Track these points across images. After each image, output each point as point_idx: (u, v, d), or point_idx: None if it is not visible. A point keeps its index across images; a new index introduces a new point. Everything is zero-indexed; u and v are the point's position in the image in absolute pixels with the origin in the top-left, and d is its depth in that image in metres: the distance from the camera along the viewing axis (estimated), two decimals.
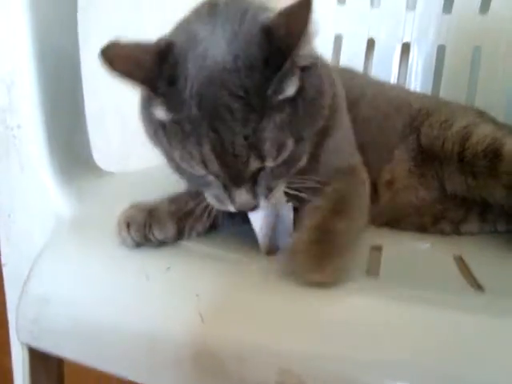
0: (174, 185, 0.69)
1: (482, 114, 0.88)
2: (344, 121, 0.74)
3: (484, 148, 0.73)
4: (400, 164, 0.82)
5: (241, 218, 0.65)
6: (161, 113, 0.55)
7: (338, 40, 1.22)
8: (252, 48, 0.54)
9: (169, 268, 0.57)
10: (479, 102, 1.12)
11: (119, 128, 1.50)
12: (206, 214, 0.63)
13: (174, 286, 0.57)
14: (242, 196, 0.57)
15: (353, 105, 0.80)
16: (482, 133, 0.75)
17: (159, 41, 0.57)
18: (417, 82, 1.21)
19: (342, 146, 0.73)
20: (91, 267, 0.62)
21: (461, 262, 0.65)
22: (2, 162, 0.75)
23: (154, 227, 0.61)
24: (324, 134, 0.65)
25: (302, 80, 0.56)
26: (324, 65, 0.64)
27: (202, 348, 0.52)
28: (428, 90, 1.17)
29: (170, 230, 0.63)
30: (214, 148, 0.53)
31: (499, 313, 0.52)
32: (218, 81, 0.53)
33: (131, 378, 0.57)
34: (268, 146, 0.54)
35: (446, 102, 0.91)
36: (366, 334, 0.51)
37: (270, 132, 0.54)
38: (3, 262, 0.80)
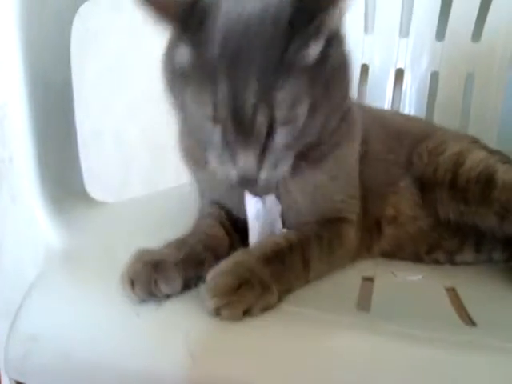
0: (170, 213, 0.69)
1: (475, 141, 0.88)
2: (355, 144, 0.73)
3: (477, 174, 0.73)
4: (405, 197, 0.81)
5: None
6: (184, 53, 0.56)
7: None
8: (282, 8, 0.55)
9: (160, 306, 0.57)
10: (472, 128, 1.13)
11: (116, 155, 1.50)
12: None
13: (164, 324, 0.56)
14: (248, 158, 0.56)
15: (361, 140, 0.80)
16: (475, 159, 0.75)
17: None
18: (411, 107, 1.21)
19: (344, 180, 0.71)
20: (81, 304, 0.61)
21: (453, 295, 0.65)
22: None
23: (159, 283, 0.56)
24: (334, 143, 0.65)
25: (326, 51, 0.56)
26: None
27: None
28: (422, 116, 1.18)
29: (177, 283, 0.58)
30: (228, 93, 0.53)
31: (489, 350, 0.51)
32: (244, 29, 0.54)
33: None
34: (279, 103, 0.54)
35: (439, 129, 0.92)
36: (355, 372, 0.50)
37: (283, 90, 0.53)
38: None
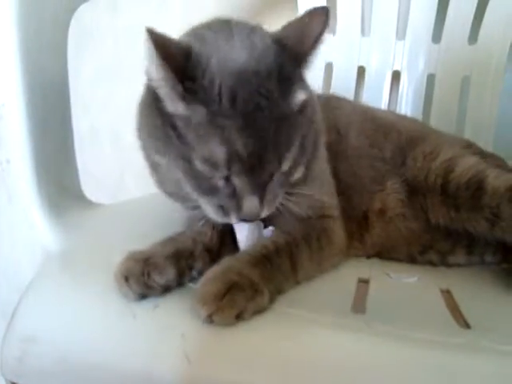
0: (166, 215, 0.69)
1: (469, 145, 0.88)
2: (322, 158, 0.75)
3: (467, 180, 0.73)
4: (392, 194, 0.82)
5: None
6: (178, 107, 0.56)
7: (328, 68, 1.23)
8: (268, 57, 0.57)
9: (156, 307, 0.57)
10: (468, 130, 1.14)
11: (112, 156, 1.50)
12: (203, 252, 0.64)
13: (160, 325, 0.56)
14: (253, 203, 0.57)
15: (341, 133, 0.81)
16: (466, 165, 0.76)
17: (181, 41, 0.59)
18: (407, 109, 1.22)
19: (319, 181, 0.73)
20: (77, 305, 0.61)
21: (448, 297, 0.65)
22: None
23: (152, 274, 0.58)
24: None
25: (305, 91, 0.60)
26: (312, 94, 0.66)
27: None
28: (418, 118, 1.18)
29: (170, 272, 0.59)
30: (245, 144, 0.54)
31: (484, 352, 0.52)
32: (246, 81, 0.55)
33: None
34: (286, 148, 0.57)
35: (434, 132, 0.92)
36: (350, 373, 0.51)
37: (287, 134, 0.56)
38: None
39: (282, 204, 0.63)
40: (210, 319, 0.53)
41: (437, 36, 1.16)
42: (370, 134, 0.86)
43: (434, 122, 1.15)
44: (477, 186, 0.72)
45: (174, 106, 0.57)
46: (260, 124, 0.55)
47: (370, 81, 1.22)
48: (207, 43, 0.59)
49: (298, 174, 0.63)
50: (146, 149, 0.65)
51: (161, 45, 0.54)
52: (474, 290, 0.70)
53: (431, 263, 0.80)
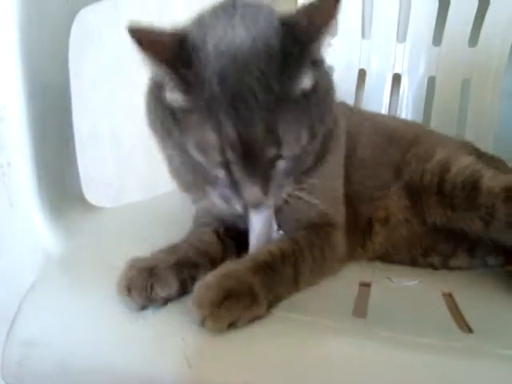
0: (167, 218, 0.69)
1: (465, 145, 0.89)
2: (338, 155, 0.74)
3: (462, 180, 0.73)
4: (396, 200, 0.81)
5: None
6: (177, 96, 0.56)
7: (329, 71, 1.22)
8: (271, 38, 0.55)
9: (157, 311, 0.57)
10: (469, 133, 1.14)
11: (113, 160, 1.50)
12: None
13: (160, 329, 0.56)
14: (253, 190, 0.56)
15: (351, 142, 0.80)
16: (461, 165, 0.76)
17: (176, 29, 0.58)
18: (408, 112, 1.22)
19: (329, 186, 0.72)
20: (78, 309, 0.61)
21: (450, 300, 0.65)
22: None
23: (155, 287, 0.56)
24: (319, 157, 0.66)
25: (315, 76, 0.58)
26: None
27: None
28: (419, 120, 1.19)
29: (173, 285, 0.58)
30: (235, 128, 0.53)
31: (487, 357, 0.51)
32: (240, 63, 0.54)
33: None
34: (285, 132, 0.55)
35: (430, 133, 0.92)
36: (351, 378, 0.51)
37: (287, 119, 0.55)
38: None
39: (293, 196, 0.62)
40: (202, 324, 0.52)
41: (437, 39, 1.16)
42: (378, 143, 0.85)
43: (434, 125, 1.15)
44: (472, 186, 0.72)
45: (173, 95, 0.56)
46: (252, 108, 0.53)
47: (370, 83, 1.22)
48: (206, 26, 0.57)
49: (308, 163, 0.62)
50: (155, 137, 0.64)
51: (145, 40, 0.53)
52: (477, 294, 0.70)
53: (433, 266, 0.80)
